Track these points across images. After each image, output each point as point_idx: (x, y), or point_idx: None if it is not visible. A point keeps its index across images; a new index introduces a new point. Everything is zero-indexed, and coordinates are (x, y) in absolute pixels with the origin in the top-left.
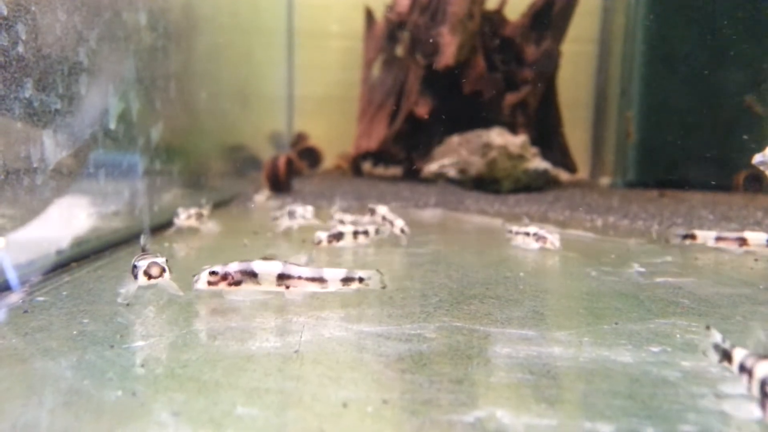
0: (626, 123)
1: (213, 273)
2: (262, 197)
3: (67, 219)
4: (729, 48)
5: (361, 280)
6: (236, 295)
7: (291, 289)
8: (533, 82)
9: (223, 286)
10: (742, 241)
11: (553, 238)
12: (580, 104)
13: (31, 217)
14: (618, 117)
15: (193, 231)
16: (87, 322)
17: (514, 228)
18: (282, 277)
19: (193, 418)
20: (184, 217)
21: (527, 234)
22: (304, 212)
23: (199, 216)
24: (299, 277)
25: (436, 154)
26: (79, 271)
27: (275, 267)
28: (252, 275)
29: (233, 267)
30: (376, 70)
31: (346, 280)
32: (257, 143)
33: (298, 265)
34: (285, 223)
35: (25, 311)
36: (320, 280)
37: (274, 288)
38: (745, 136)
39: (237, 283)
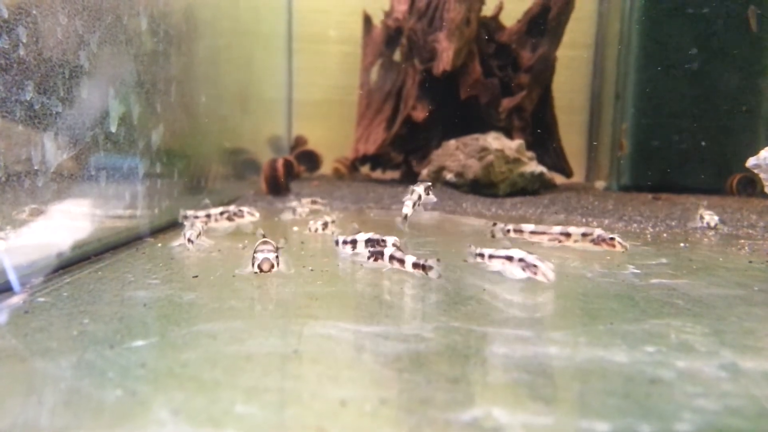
0: (620, 134)
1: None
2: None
3: (68, 221)
4: (723, 52)
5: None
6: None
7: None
8: (529, 87)
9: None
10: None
11: (546, 267)
12: (575, 109)
13: (32, 219)
14: (613, 121)
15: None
16: (87, 323)
17: (487, 251)
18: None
19: (192, 417)
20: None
21: (509, 258)
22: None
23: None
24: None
25: (433, 157)
26: (79, 273)
27: (193, 231)
28: (189, 241)
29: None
30: (375, 74)
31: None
32: (257, 147)
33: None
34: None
35: (26, 312)
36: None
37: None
38: (738, 140)
39: (189, 242)
